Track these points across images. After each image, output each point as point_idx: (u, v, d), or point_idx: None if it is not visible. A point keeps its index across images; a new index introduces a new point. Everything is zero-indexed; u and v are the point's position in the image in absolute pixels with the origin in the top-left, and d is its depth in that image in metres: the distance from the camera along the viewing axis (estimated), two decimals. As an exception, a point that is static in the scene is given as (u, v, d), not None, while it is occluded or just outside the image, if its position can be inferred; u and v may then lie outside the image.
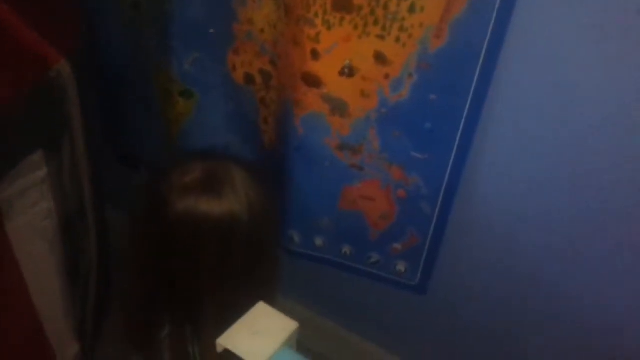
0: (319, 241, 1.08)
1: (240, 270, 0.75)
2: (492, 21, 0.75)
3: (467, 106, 0.82)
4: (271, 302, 0.68)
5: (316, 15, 0.82)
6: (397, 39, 0.80)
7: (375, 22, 0.80)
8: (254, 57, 0.98)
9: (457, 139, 0.85)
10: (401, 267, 1.03)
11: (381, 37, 0.81)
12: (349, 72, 0.85)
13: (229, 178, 0.72)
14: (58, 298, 0.98)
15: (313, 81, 0.88)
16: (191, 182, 0.70)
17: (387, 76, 0.84)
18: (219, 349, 0.61)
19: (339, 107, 0.90)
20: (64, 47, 0.87)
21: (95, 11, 1.05)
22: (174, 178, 0.71)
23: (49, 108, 0.88)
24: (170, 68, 1.05)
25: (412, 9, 0.78)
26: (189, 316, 0.79)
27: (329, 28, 0.82)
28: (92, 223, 1.05)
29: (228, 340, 0.61)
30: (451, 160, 0.87)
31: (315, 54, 0.85)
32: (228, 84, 1.03)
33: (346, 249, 1.06)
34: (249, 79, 1.01)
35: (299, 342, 0.64)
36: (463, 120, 0.83)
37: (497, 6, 0.73)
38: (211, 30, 1.00)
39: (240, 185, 0.72)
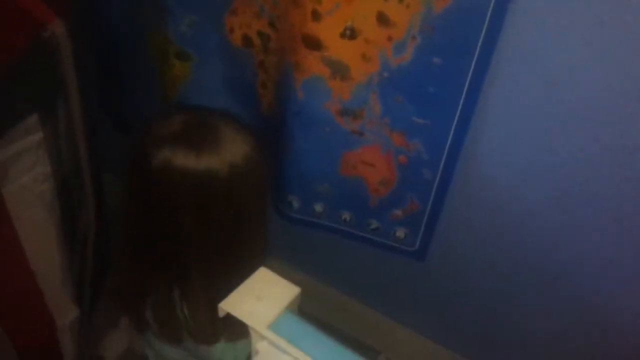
0: (318, 207, 1.07)
1: (222, 230, 0.73)
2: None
3: (471, 70, 0.80)
4: (259, 265, 0.67)
5: (318, -27, 0.80)
6: (401, 0, 0.78)
7: (378, -18, 0.78)
8: (253, 18, 0.95)
9: (460, 103, 0.83)
10: (401, 233, 1.03)
11: (384, -2, 0.79)
12: (350, 34, 0.83)
13: (211, 134, 0.70)
14: (56, 263, 0.97)
15: (314, 43, 0.86)
16: (169, 134, 0.68)
17: (389, 38, 0.82)
18: (221, 313, 0.60)
19: (339, 71, 0.88)
20: (58, 5, 0.85)
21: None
22: (154, 129, 0.70)
23: (43, 70, 0.86)
24: (166, 29, 1.02)
25: (416, -32, 0.76)
26: (176, 278, 0.78)
27: (330, -13, 0.80)
28: (89, 187, 1.04)
29: (230, 304, 0.61)
30: (453, 126, 0.86)
31: (316, 15, 0.83)
32: (225, 46, 1.01)
33: (346, 216, 1.06)
34: (247, 41, 0.98)
35: (299, 308, 0.64)
36: (467, 85, 0.81)
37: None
38: (208, -10, 0.97)
39: (223, 143, 0.70)
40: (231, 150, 0.70)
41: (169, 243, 0.74)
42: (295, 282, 0.63)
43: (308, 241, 1.19)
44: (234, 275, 0.63)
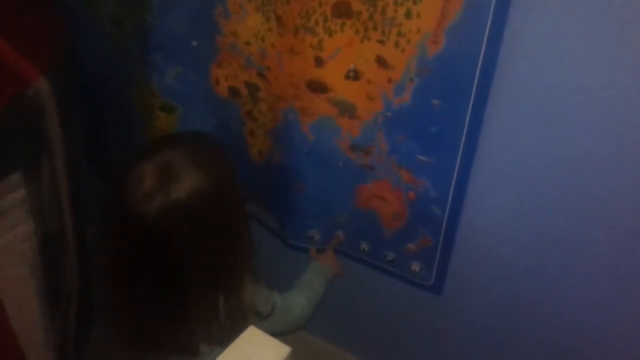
0: (339, 235, 1.08)
1: (219, 238, 0.77)
2: (488, 26, 0.73)
3: (470, 110, 0.80)
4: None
5: (317, 23, 0.82)
6: (396, 44, 0.80)
7: (375, 27, 0.80)
8: (239, 69, 0.96)
9: (462, 142, 0.84)
10: (416, 266, 1.03)
11: (381, 42, 0.81)
12: (354, 75, 0.85)
13: (177, 164, 0.74)
14: (38, 323, 0.94)
15: (319, 87, 0.88)
16: (150, 187, 0.72)
17: (389, 80, 0.83)
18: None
19: (347, 109, 0.90)
20: (43, 62, 0.84)
21: (75, 25, 1.01)
22: (132, 192, 0.73)
23: (27, 128, 0.85)
24: (152, 82, 1.03)
25: (408, 15, 0.77)
26: (187, 312, 0.80)
27: (330, 35, 0.83)
28: (73, 244, 1.00)
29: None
30: (457, 163, 0.86)
31: (319, 61, 0.85)
32: (211, 98, 1.02)
33: (364, 246, 1.07)
34: (234, 92, 0.99)
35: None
36: (466, 124, 0.82)
37: (491, 11, 0.72)
38: (194, 43, 0.98)
39: (186, 175, 0.74)
40: (197, 165, 0.74)
41: (177, 276, 0.77)
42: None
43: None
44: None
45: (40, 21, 0.90)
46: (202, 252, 0.75)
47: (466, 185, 0.88)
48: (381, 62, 0.82)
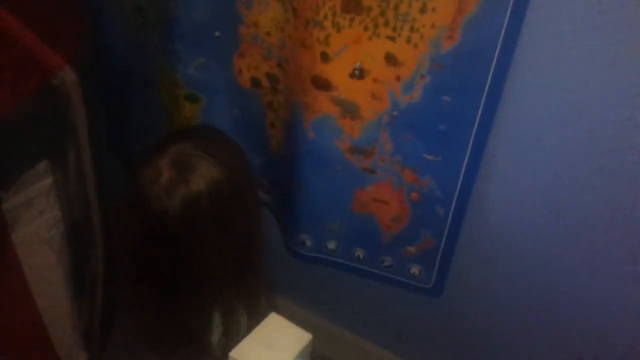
0: (331, 245, 1.06)
1: (235, 230, 0.78)
2: (506, 20, 0.73)
3: (481, 107, 0.80)
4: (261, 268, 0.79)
5: (325, 17, 0.80)
6: (409, 40, 0.79)
7: (386, 23, 0.78)
8: (260, 60, 0.96)
9: (471, 140, 0.83)
10: (415, 270, 1.02)
11: (392, 39, 0.79)
12: (359, 74, 0.84)
13: (190, 155, 0.75)
14: (65, 308, 0.97)
15: (323, 84, 0.86)
16: (169, 181, 0.73)
17: (398, 78, 0.82)
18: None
19: (349, 110, 0.88)
20: (67, 52, 0.85)
21: (98, 15, 1.04)
22: (151, 187, 0.74)
23: (53, 116, 0.87)
24: (176, 72, 1.04)
25: (423, 10, 0.76)
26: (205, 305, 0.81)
27: (338, 30, 0.81)
28: (98, 230, 1.04)
29: (241, 353, 0.60)
30: (465, 162, 0.86)
31: (324, 57, 0.83)
32: (234, 88, 1.02)
33: (359, 253, 1.05)
34: (256, 82, 0.99)
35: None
36: (477, 121, 0.81)
37: (510, 5, 0.72)
38: (216, 34, 0.98)
39: (203, 168, 0.75)
40: (211, 171, 0.75)
41: (197, 266, 0.78)
42: (308, 321, 0.63)
43: (320, 280, 1.18)
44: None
45: (65, 10, 0.89)
46: (222, 244, 0.77)
47: (472, 184, 0.88)
48: (390, 59, 0.81)
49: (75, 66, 0.86)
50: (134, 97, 1.15)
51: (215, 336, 0.81)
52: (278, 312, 0.65)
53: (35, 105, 0.81)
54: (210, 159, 0.75)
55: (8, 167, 0.80)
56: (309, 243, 1.07)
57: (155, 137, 1.13)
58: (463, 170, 0.86)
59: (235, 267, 0.80)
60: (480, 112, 0.80)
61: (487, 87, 0.78)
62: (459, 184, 0.88)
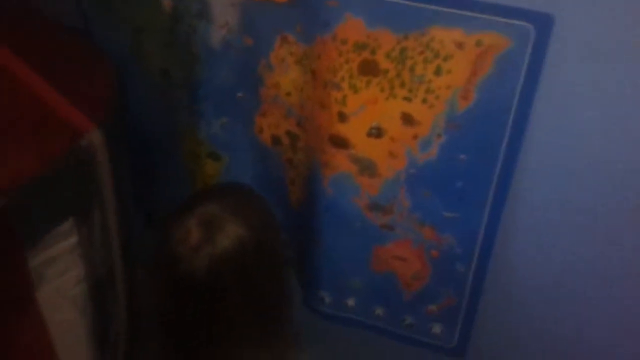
0: (350, 302, 1.05)
1: (261, 289, 0.79)
2: (521, 79, 0.74)
3: (499, 164, 0.80)
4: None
5: (342, 79, 0.82)
6: (424, 101, 0.80)
7: (402, 85, 0.80)
8: (281, 119, 0.98)
9: (490, 197, 0.83)
10: (437, 329, 1.00)
11: (408, 99, 0.81)
12: (376, 133, 0.85)
13: (218, 216, 0.77)
14: (88, 367, 0.97)
15: (341, 142, 0.88)
16: (197, 241, 0.75)
17: (415, 136, 0.83)
18: None
19: (367, 167, 0.89)
20: (95, 113, 0.88)
21: (124, 76, 1.08)
22: (180, 247, 0.76)
23: (80, 177, 0.88)
24: (198, 131, 1.06)
25: (438, 72, 0.78)
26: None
27: (355, 91, 0.83)
28: (122, 288, 1.04)
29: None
30: (484, 219, 0.85)
31: (342, 117, 0.85)
32: (255, 146, 1.04)
33: (379, 311, 1.04)
34: (276, 140, 1.01)
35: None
36: (495, 179, 0.81)
37: (524, 66, 0.73)
38: (239, 95, 1.01)
39: (230, 228, 0.77)
40: (238, 232, 0.77)
41: (223, 326, 0.79)
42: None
43: (340, 338, 1.16)
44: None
45: (92, 72, 0.93)
46: (249, 303, 0.78)
47: (493, 240, 0.87)
48: (407, 119, 0.82)
49: (103, 127, 0.89)
50: (158, 156, 1.18)
51: None
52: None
53: (62, 166, 0.83)
54: (236, 219, 0.77)
55: (34, 225, 0.81)
56: (327, 300, 1.06)
57: (180, 193, 1.16)
58: (483, 227, 0.86)
59: (261, 326, 0.80)
60: (498, 169, 0.81)
61: (504, 145, 0.79)
62: (479, 240, 0.88)
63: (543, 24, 0.70)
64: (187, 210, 0.78)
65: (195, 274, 0.74)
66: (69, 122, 0.84)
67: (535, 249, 0.87)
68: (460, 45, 0.75)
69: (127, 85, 1.09)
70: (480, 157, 0.81)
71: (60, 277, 0.88)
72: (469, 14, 0.73)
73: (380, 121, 0.84)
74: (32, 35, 0.92)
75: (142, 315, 1.04)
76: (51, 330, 0.88)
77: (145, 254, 0.85)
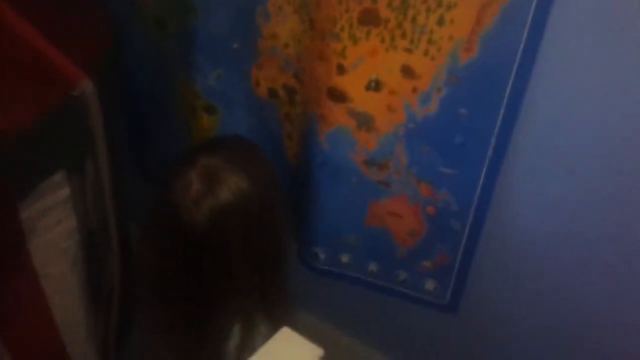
0: (345, 258, 1.05)
1: (261, 244, 0.79)
2: (525, 33, 0.72)
3: (499, 119, 0.79)
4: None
5: (342, 29, 0.80)
6: (426, 52, 0.78)
7: (403, 36, 0.78)
8: (278, 72, 0.96)
9: (489, 153, 0.82)
10: (430, 285, 1.00)
11: (409, 51, 0.79)
12: (375, 86, 0.83)
13: (218, 168, 0.76)
14: (81, 318, 0.97)
15: (339, 96, 0.86)
16: (198, 193, 0.74)
17: (414, 90, 0.81)
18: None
19: (365, 122, 0.88)
20: (86, 63, 0.86)
21: (118, 27, 1.05)
22: (180, 199, 0.75)
23: (72, 128, 0.87)
24: (194, 83, 1.04)
25: (441, 22, 0.76)
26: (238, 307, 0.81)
27: (355, 42, 0.81)
28: (115, 241, 1.04)
29: (252, 368, 0.60)
30: (482, 175, 0.85)
31: (341, 69, 0.83)
32: (251, 99, 1.02)
33: (373, 267, 1.04)
34: (273, 93, 0.99)
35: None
36: (495, 134, 0.80)
37: (530, 17, 0.71)
38: (235, 46, 0.99)
39: (231, 180, 0.76)
40: (239, 183, 0.76)
41: (223, 277, 0.79)
42: (321, 334, 0.62)
43: (334, 293, 1.17)
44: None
45: (84, 21, 0.90)
46: (248, 258, 0.78)
47: (490, 198, 0.86)
48: (407, 71, 0.80)
49: (95, 77, 0.87)
50: (153, 108, 1.16)
51: (233, 344, 0.81)
52: (293, 325, 0.64)
53: (54, 117, 0.81)
54: (238, 172, 0.76)
55: (25, 177, 0.80)
56: (322, 256, 1.06)
57: (176, 147, 1.15)
58: (480, 184, 0.85)
59: (259, 280, 0.81)
60: (498, 124, 0.79)
61: (505, 99, 0.77)
62: (476, 198, 0.87)
63: (551, -28, 0.68)
64: (188, 162, 0.77)
65: (196, 226, 0.74)
66: (61, 72, 0.82)
67: (532, 208, 0.87)
68: (464, -6, 0.72)
69: (121, 35, 1.06)
70: (480, 112, 0.80)
71: (53, 229, 0.87)
72: (475, -40, 0.70)
73: (380, 74, 0.82)
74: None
75: (138, 272, 1.04)
76: (44, 283, 0.88)
77: (141, 209, 0.83)
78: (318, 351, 0.61)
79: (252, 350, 0.63)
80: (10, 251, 0.83)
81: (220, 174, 0.75)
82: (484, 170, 0.84)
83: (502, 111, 0.78)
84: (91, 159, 0.92)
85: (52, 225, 0.87)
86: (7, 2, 0.78)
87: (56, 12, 0.88)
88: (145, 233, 0.87)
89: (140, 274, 0.92)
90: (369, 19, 0.78)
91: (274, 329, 0.65)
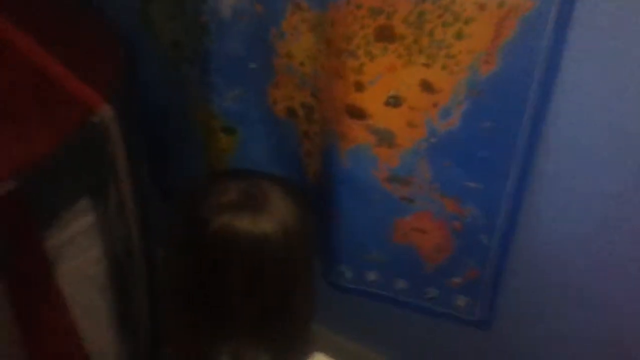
0: (371, 276, 1.04)
1: (272, 295, 0.72)
2: (546, 42, 0.71)
3: (523, 132, 0.77)
4: (307, 334, 0.71)
5: (358, 47, 0.79)
6: (444, 67, 0.77)
7: (420, 51, 0.77)
8: (294, 90, 0.96)
9: (514, 166, 0.80)
10: (461, 301, 0.98)
11: (427, 65, 0.78)
12: (394, 102, 0.82)
13: (265, 198, 0.70)
14: (109, 343, 0.97)
15: (358, 113, 0.85)
16: (228, 201, 0.69)
17: (435, 105, 0.80)
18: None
19: (385, 138, 0.87)
20: (105, 89, 0.86)
21: (135, 50, 1.06)
22: (211, 198, 0.70)
23: (93, 154, 0.87)
24: (212, 104, 1.04)
25: (459, 36, 0.74)
26: (226, 342, 0.75)
27: (372, 59, 0.80)
28: (141, 266, 1.04)
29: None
30: (509, 188, 0.83)
31: (359, 86, 0.83)
32: (269, 119, 1.02)
33: (401, 284, 1.02)
34: (291, 112, 0.99)
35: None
36: (519, 147, 0.78)
37: (550, 27, 0.69)
38: (251, 66, 0.99)
39: (276, 206, 0.70)
40: (283, 213, 0.70)
41: (219, 304, 0.73)
42: (349, 353, 0.61)
43: (361, 310, 1.15)
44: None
45: (101, 47, 0.92)
46: (248, 296, 0.72)
47: (517, 211, 0.85)
48: (426, 86, 0.79)
49: (114, 102, 0.87)
50: (172, 129, 1.17)
51: None
52: (321, 344, 0.63)
53: (74, 144, 0.82)
54: (288, 202, 0.69)
55: (48, 205, 0.81)
56: (348, 274, 1.05)
57: (194, 168, 1.15)
58: (507, 197, 0.83)
59: (261, 323, 0.74)
60: (522, 137, 0.77)
61: (528, 112, 0.76)
62: (504, 211, 0.85)
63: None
64: (229, 177, 0.72)
65: (209, 227, 0.67)
66: (79, 99, 0.83)
67: (561, 219, 0.85)
68: (482, 7, 0.71)
69: (138, 59, 1.08)
70: (503, 124, 0.78)
71: (79, 256, 0.88)
72: (491, -28, 0.69)
73: (399, 89, 0.81)
74: (39, 9, 0.91)
75: (164, 293, 1.04)
76: (73, 310, 0.88)
77: (162, 228, 0.82)
78: None
79: None
80: (37, 280, 0.83)
81: (267, 197, 0.68)
82: (510, 183, 0.82)
83: (525, 123, 0.76)
84: (114, 184, 0.93)
85: (79, 253, 0.87)
86: (23, 28, 0.79)
87: (71, 37, 0.89)
88: (167, 256, 0.83)
89: (167, 299, 0.90)
90: (385, 35, 0.78)
91: None
